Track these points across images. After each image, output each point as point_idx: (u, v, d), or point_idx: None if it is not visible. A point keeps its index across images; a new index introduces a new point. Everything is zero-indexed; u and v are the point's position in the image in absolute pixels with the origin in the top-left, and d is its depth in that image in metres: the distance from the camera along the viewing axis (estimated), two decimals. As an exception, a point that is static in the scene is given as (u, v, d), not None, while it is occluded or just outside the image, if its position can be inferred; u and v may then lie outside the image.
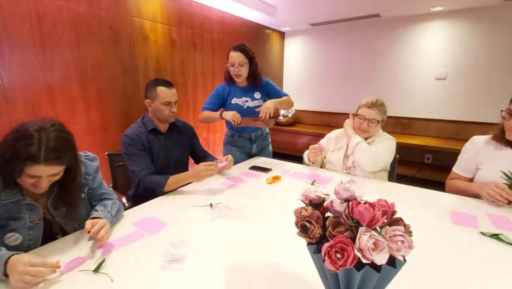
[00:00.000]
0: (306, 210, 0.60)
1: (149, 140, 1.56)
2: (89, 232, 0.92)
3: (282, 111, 4.57)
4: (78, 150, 1.01)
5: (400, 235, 0.50)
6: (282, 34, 4.70)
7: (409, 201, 1.36)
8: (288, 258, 0.90)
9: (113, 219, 1.10)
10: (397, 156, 1.74)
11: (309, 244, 0.59)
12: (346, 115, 1.72)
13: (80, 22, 2.06)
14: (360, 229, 0.51)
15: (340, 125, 1.86)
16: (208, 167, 1.41)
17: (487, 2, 3.04)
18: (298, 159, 2.00)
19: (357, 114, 1.64)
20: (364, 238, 0.49)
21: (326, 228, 0.56)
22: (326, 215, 0.62)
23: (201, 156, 1.84)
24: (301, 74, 4.74)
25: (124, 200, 1.55)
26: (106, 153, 1.74)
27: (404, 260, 0.53)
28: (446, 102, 3.59)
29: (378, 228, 0.52)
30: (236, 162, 1.91)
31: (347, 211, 0.55)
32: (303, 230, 0.58)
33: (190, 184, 1.53)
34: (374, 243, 0.48)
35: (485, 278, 0.81)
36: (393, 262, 0.51)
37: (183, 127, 1.76)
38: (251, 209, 1.26)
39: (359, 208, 0.52)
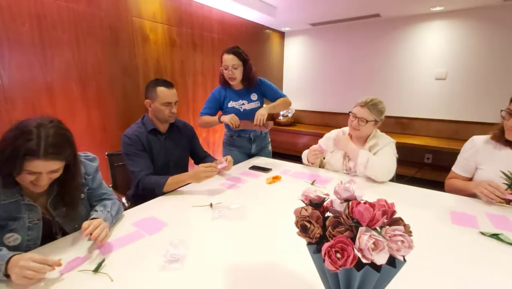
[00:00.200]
0: (306, 210, 0.60)
1: (149, 140, 1.56)
2: (87, 234, 0.92)
3: (282, 112, 4.57)
4: (78, 150, 1.01)
5: (400, 235, 0.50)
6: (282, 34, 4.70)
7: (409, 201, 1.35)
8: (288, 258, 0.90)
9: (113, 219, 1.10)
10: (397, 156, 1.73)
11: (309, 244, 0.59)
12: (346, 115, 1.72)
13: (80, 22, 2.05)
14: (360, 229, 0.51)
15: (340, 125, 1.86)
16: (207, 168, 1.41)
17: (487, 2, 3.04)
18: (298, 159, 2.00)
19: (350, 112, 1.67)
20: (364, 238, 0.49)
21: (326, 228, 0.56)
22: (326, 215, 0.62)
23: (201, 156, 1.84)
24: (301, 74, 4.74)
25: (124, 200, 1.55)
26: (106, 153, 1.74)
27: (404, 260, 0.53)
28: (446, 102, 3.59)
29: (378, 228, 0.52)
30: (235, 162, 1.92)
31: (347, 211, 0.55)
32: (303, 230, 0.58)
33: (190, 184, 1.53)
34: (374, 243, 0.48)
35: (485, 278, 0.81)
36: (393, 262, 0.51)
37: (183, 127, 1.76)
38: (251, 209, 1.26)
39: (359, 208, 0.52)
